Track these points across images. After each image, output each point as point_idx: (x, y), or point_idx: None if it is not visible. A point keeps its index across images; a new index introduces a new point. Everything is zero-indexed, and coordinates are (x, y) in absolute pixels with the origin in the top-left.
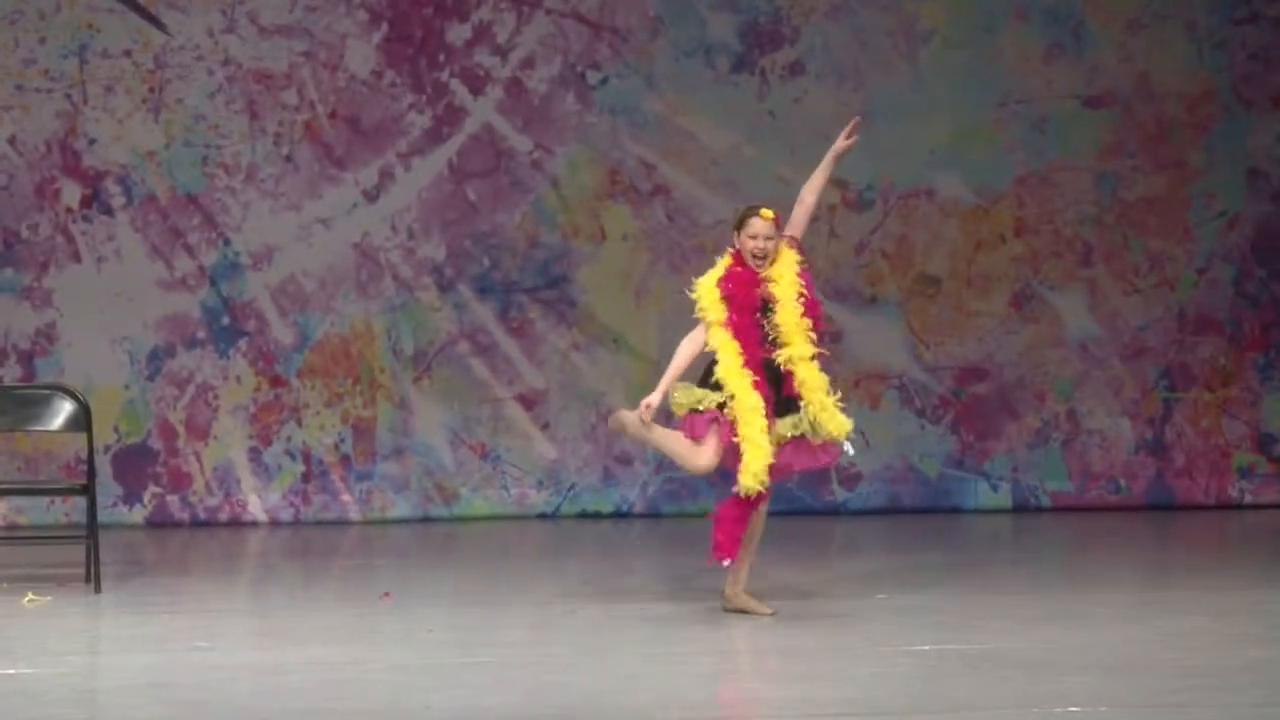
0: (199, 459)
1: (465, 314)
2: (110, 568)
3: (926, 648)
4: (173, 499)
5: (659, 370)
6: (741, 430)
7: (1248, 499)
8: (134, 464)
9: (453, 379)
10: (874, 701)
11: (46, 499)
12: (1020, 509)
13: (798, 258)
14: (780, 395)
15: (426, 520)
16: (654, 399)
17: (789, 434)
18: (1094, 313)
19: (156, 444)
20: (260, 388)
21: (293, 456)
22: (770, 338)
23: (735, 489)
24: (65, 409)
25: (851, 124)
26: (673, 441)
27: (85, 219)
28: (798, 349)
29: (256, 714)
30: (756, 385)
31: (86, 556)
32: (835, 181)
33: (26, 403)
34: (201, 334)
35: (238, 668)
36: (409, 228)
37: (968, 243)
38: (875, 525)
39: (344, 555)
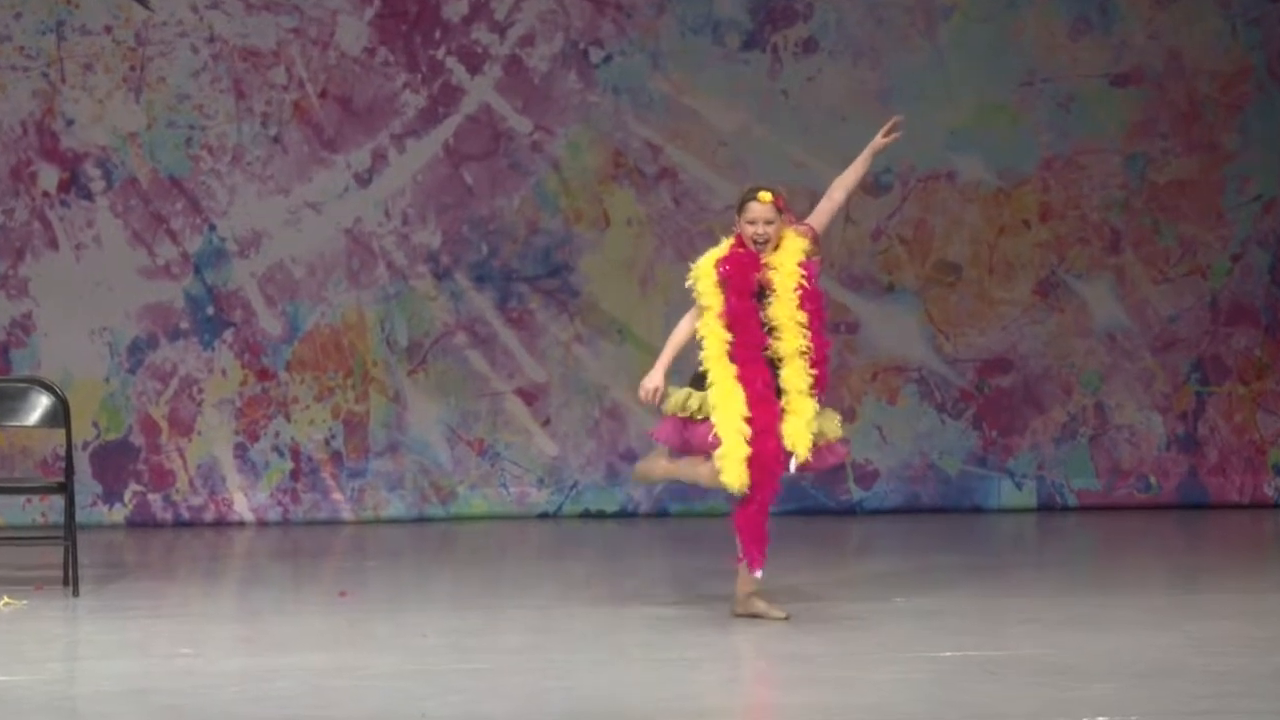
0: (182, 456)
1: (462, 304)
2: (89, 570)
3: (947, 654)
4: (155, 498)
5: None
6: (716, 422)
7: None
8: (114, 461)
9: (449, 372)
10: (891, 710)
11: (22, 498)
12: (1045, 508)
13: (805, 246)
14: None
15: (422, 520)
16: (657, 380)
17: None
18: (1123, 302)
19: (138, 440)
20: (247, 381)
21: (281, 453)
22: (768, 326)
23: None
24: (42, 403)
25: (892, 121)
26: (693, 467)
27: (63, 204)
28: (787, 344)
29: None
30: (748, 374)
31: (64, 558)
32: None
33: (1, 397)
34: (185, 324)
35: (223, 675)
36: (403, 213)
37: (990, 228)
38: (893, 525)
39: (335, 556)
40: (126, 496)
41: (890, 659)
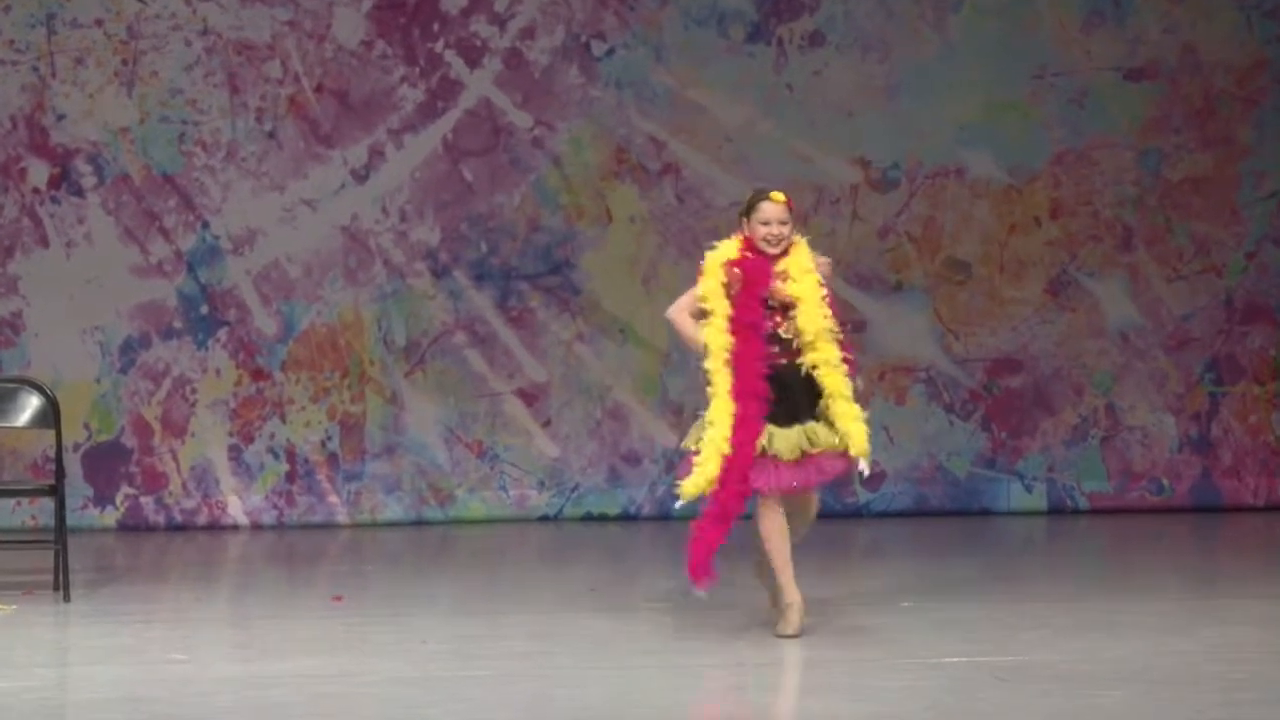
0: (175, 458)
1: (461, 302)
2: (80, 574)
3: (955, 660)
4: (147, 500)
5: (668, 362)
6: (705, 437)
7: None
8: (106, 463)
9: (448, 372)
10: (899, 717)
11: (12, 500)
12: (1056, 511)
13: (810, 253)
14: (792, 400)
15: (420, 523)
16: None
17: (796, 452)
18: (1135, 300)
19: (130, 442)
20: (241, 381)
21: (276, 455)
22: (786, 338)
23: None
24: (32, 404)
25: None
26: (774, 550)
27: (54, 200)
28: (823, 353)
29: None
30: (742, 390)
31: (55, 562)
32: (858, 160)
33: None
34: (178, 324)
35: (217, 681)
36: (401, 210)
37: (1000, 225)
38: (900, 528)
39: (331, 561)
40: (118, 499)
41: (898, 665)
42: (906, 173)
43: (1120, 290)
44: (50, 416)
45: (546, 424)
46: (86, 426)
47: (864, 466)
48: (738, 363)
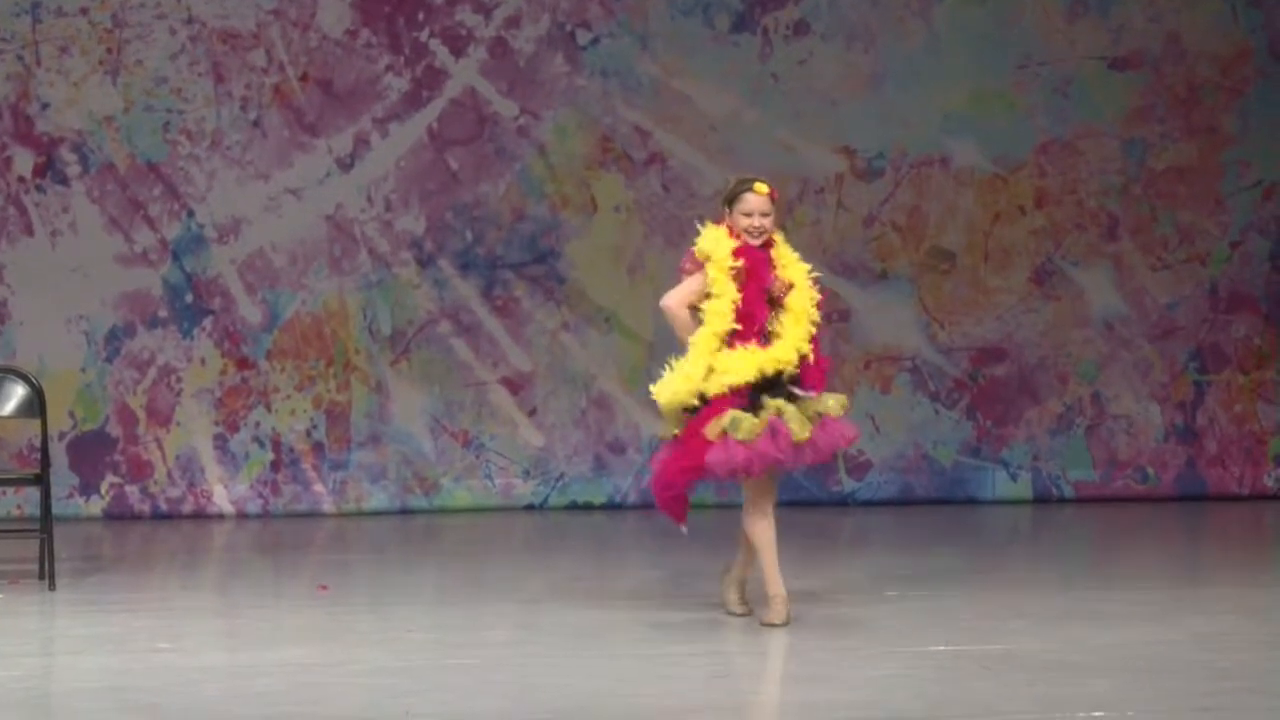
0: (161, 447)
1: (446, 291)
2: (66, 563)
3: (941, 649)
4: (132, 489)
5: (653, 351)
6: (678, 365)
7: None
8: (91, 452)
9: (433, 361)
10: (885, 706)
11: None
12: (1041, 500)
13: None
14: (769, 392)
15: (405, 512)
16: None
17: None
18: (1120, 289)
19: (115, 431)
20: (226, 370)
21: (261, 444)
22: (773, 331)
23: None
24: (17, 393)
25: None
26: (761, 552)
27: (38, 189)
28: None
29: (223, 719)
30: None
31: (40, 551)
32: (843, 150)
33: None
34: (163, 313)
35: (203, 670)
36: (386, 199)
37: (985, 215)
38: (886, 517)
39: (317, 550)
40: (104, 488)
41: (884, 654)
42: (891, 162)
43: (1105, 279)
44: (35, 405)
45: (532, 413)
46: (72, 415)
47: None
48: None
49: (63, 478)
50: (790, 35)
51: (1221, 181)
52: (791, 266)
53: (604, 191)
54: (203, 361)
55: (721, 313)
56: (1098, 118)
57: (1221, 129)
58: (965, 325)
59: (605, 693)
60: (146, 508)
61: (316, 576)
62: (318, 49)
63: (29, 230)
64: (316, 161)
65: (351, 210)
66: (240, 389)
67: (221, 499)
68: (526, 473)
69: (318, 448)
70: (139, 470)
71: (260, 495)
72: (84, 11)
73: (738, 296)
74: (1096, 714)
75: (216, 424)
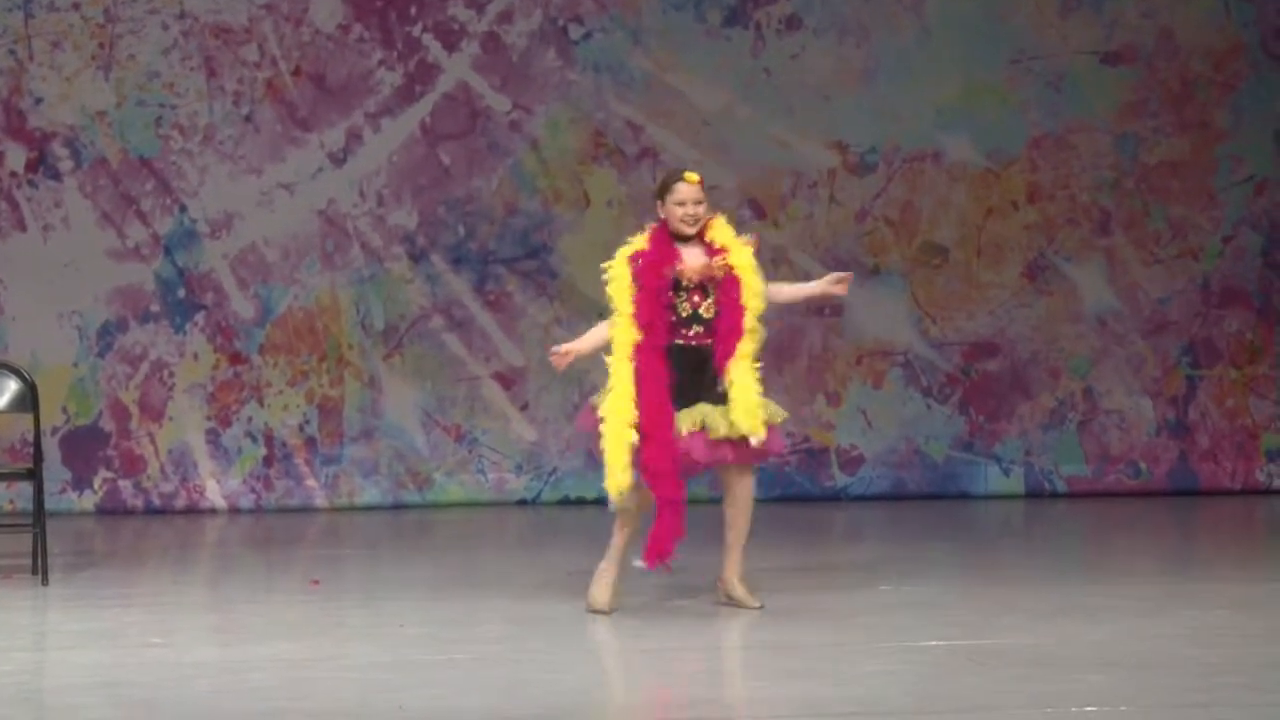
0: (153, 441)
1: (439, 286)
2: (58, 558)
3: (933, 644)
4: (125, 484)
5: None
6: (604, 433)
7: (1276, 483)
8: (84, 447)
9: (425, 356)
10: (877, 701)
11: None
12: (1033, 495)
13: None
14: (698, 380)
15: (398, 507)
16: (570, 345)
17: (695, 425)
18: (1112, 284)
19: (108, 425)
20: (219, 365)
21: (254, 439)
22: (707, 318)
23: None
24: (10, 388)
25: (844, 276)
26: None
27: (31, 184)
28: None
29: (215, 714)
30: (647, 372)
31: (33, 546)
32: (835, 144)
33: None
34: (156, 307)
35: (195, 665)
36: (378, 193)
37: (977, 209)
38: (878, 512)
39: (309, 545)
40: (96, 483)
41: (875, 649)
42: (884, 156)
43: (1097, 274)
44: (28, 400)
45: (524, 408)
46: (64, 410)
47: (755, 441)
48: (642, 353)
49: (55, 472)
50: (782, 30)
51: (1214, 176)
52: (734, 250)
53: (596, 186)
54: (195, 356)
55: (623, 333)
56: (1090, 113)
57: (1214, 124)
58: (958, 320)
59: (597, 688)
60: (139, 502)
61: (309, 571)
62: (310, 44)
63: (21, 225)
64: (309, 156)
65: (344, 205)
66: (233, 384)
67: (214, 494)
68: (519, 467)
69: (310, 442)
70: (131, 465)
71: (253, 490)
72: (76, 6)
73: (631, 306)
74: (1089, 709)
75: (209, 419)
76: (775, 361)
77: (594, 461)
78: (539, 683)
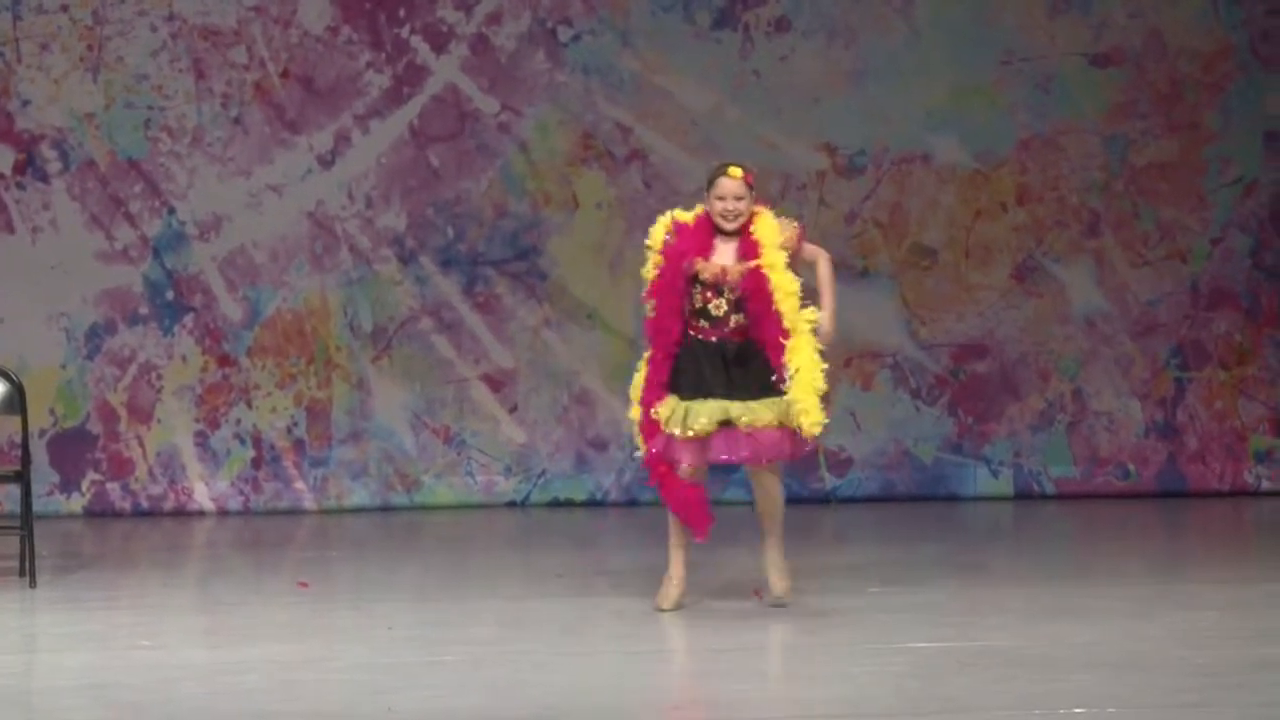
0: (141, 444)
1: (428, 288)
2: (46, 560)
3: (922, 645)
4: (113, 487)
5: (635, 348)
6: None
7: (1265, 485)
8: (71, 449)
9: (414, 358)
10: (866, 702)
11: None
12: (1022, 496)
13: (779, 228)
14: (704, 375)
15: (386, 509)
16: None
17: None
18: (1101, 286)
19: (96, 428)
20: (207, 367)
21: (242, 441)
22: (716, 315)
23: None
24: None
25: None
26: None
27: (19, 186)
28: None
29: (204, 716)
30: (651, 360)
31: (21, 548)
32: (824, 146)
33: None
34: (144, 309)
35: (184, 667)
36: (367, 195)
37: (966, 211)
38: (867, 514)
39: (298, 547)
40: (84, 485)
41: (864, 651)
42: (873, 158)
43: (1086, 276)
44: (16, 403)
45: (513, 410)
46: (52, 413)
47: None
48: (654, 333)
49: (43, 475)
50: (771, 32)
51: (1203, 178)
52: (768, 250)
53: (585, 188)
54: (184, 358)
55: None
56: (1079, 114)
57: (1203, 125)
58: (946, 322)
59: (587, 689)
60: (127, 505)
61: (297, 573)
62: (299, 45)
63: (9, 227)
64: (297, 158)
65: (332, 207)
66: (221, 386)
67: (202, 496)
68: (508, 469)
69: (299, 445)
70: (120, 467)
71: (241, 492)
72: (65, 8)
73: (646, 290)
74: (1078, 710)
75: (197, 421)
76: None
77: (583, 463)
78: (528, 684)
